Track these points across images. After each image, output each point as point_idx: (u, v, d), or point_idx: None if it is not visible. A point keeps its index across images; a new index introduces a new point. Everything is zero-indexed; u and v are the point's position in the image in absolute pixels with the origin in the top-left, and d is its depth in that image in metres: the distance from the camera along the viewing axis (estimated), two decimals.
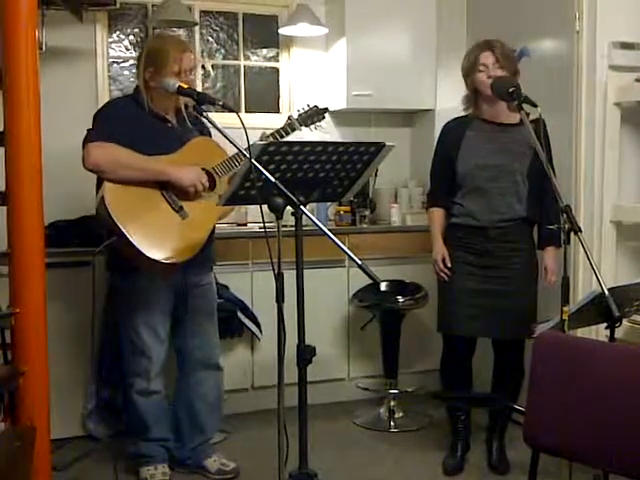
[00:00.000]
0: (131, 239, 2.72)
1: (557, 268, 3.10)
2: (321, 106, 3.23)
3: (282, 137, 3.07)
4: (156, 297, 3.00)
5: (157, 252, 2.76)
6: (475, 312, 3.13)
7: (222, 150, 3.05)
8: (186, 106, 2.99)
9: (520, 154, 3.09)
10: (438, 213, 3.28)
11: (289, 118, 3.15)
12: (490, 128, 3.15)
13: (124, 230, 2.71)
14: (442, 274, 3.20)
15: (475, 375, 3.35)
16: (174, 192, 2.87)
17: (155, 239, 2.77)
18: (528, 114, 2.94)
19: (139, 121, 2.91)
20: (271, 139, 2.97)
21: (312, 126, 3.20)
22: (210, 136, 3.16)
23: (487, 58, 3.06)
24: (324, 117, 3.23)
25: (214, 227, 3.05)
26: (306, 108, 3.20)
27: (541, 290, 3.22)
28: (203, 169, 2.92)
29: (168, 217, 2.85)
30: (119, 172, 2.78)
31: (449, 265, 3.18)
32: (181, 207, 2.88)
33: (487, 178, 3.10)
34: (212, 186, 2.95)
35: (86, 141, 2.82)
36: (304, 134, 3.18)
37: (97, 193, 2.84)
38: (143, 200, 2.82)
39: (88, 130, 2.86)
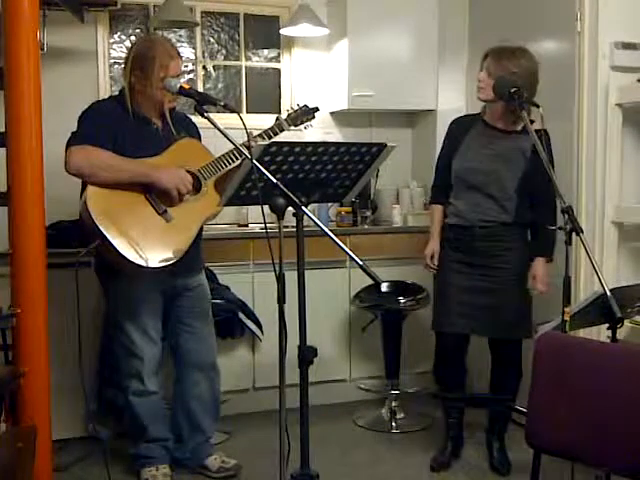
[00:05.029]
0: (113, 243, 2.70)
1: (547, 279, 3.07)
2: (311, 106, 3.21)
3: (270, 138, 3.04)
4: (144, 298, 2.99)
5: (139, 257, 2.74)
6: (465, 310, 3.15)
7: (208, 152, 3.04)
8: (171, 110, 2.98)
9: (513, 162, 3.11)
10: (437, 210, 3.34)
11: (277, 119, 3.13)
12: (490, 133, 3.16)
13: (106, 234, 2.70)
14: (430, 269, 3.30)
15: (477, 375, 3.36)
16: (158, 195, 2.85)
17: (138, 243, 2.75)
18: (533, 121, 2.97)
19: (123, 123, 2.88)
20: (259, 140, 2.95)
21: (302, 126, 3.19)
22: (200, 139, 3.16)
23: (480, 75, 3.10)
24: (314, 117, 3.21)
25: (201, 229, 3.03)
26: (295, 108, 3.19)
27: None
28: (188, 171, 2.91)
29: (151, 221, 2.83)
30: (101, 175, 2.76)
31: (436, 263, 3.27)
32: (165, 210, 2.85)
33: (478, 182, 3.14)
34: (197, 188, 2.94)
35: (68, 144, 2.80)
36: (305, 134, 3.18)
37: (81, 197, 2.81)
38: (126, 204, 2.80)
39: (72, 133, 2.84)
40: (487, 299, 3.13)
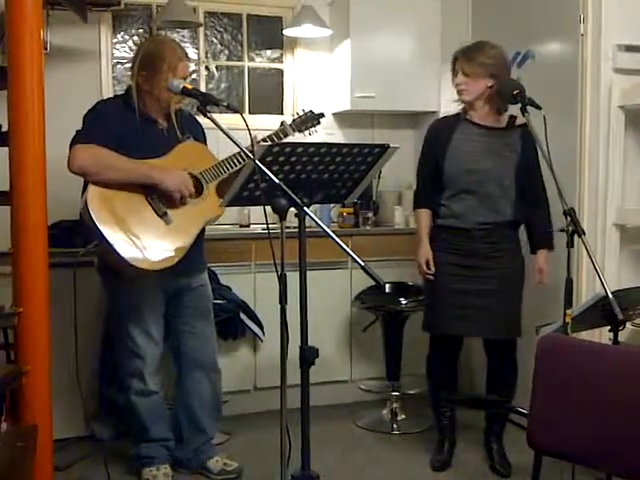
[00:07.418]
0: (112, 244, 2.71)
1: (548, 270, 3.16)
2: (317, 111, 3.20)
3: (274, 142, 3.04)
4: (147, 298, 2.99)
5: (138, 259, 2.74)
6: (461, 312, 3.15)
7: (212, 155, 3.04)
8: (177, 111, 2.98)
9: (506, 158, 3.12)
10: (425, 214, 3.28)
11: (282, 124, 3.12)
12: (479, 131, 3.16)
13: (106, 235, 2.71)
14: (427, 276, 3.23)
15: (471, 376, 3.35)
16: (159, 197, 2.85)
17: (137, 245, 2.75)
18: (515, 117, 3.11)
19: (128, 123, 2.88)
20: (262, 144, 2.95)
21: (306, 132, 3.18)
22: (205, 141, 3.16)
23: (458, 79, 3.14)
24: (319, 122, 3.21)
25: (203, 230, 3.02)
26: (301, 113, 3.18)
27: (542, 292, 3.22)
28: (191, 174, 2.91)
29: (151, 222, 2.82)
30: (104, 175, 2.76)
31: (432, 269, 3.20)
32: (165, 213, 2.85)
33: (475, 182, 3.12)
34: (199, 191, 2.94)
35: (72, 143, 2.80)
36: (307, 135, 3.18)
37: (82, 196, 2.81)
38: (127, 205, 2.79)
39: (77, 131, 2.84)
40: (482, 300, 3.13)
